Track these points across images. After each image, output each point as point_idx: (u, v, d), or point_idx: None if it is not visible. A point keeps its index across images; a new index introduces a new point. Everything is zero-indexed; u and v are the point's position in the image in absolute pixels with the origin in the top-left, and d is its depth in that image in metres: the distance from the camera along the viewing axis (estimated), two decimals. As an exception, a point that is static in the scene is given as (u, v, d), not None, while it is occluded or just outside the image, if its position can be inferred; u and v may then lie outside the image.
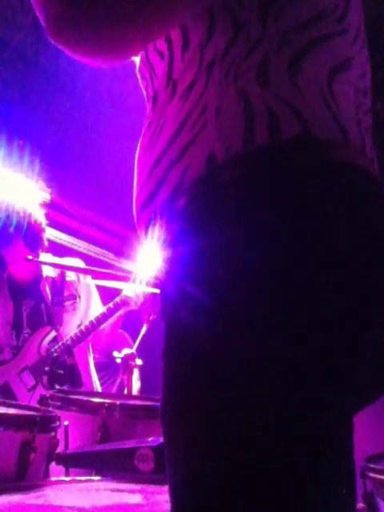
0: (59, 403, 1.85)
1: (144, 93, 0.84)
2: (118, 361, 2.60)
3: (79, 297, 2.63)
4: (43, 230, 2.56)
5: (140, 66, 0.81)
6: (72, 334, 2.49)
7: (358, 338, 0.59)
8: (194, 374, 0.57)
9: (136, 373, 2.74)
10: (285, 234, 0.58)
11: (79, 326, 2.55)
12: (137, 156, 0.78)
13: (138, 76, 0.85)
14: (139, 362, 2.66)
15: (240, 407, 0.54)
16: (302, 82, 0.64)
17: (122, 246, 4.29)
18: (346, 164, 0.64)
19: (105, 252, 4.32)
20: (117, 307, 2.54)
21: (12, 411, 1.60)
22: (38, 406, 1.83)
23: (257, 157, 0.62)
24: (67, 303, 2.58)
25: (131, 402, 2.09)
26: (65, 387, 2.37)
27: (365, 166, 0.65)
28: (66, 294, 2.59)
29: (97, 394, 2.25)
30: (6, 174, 3.31)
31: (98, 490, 1.32)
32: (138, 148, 0.78)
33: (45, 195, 2.87)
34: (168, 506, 0.59)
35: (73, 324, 2.57)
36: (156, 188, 0.70)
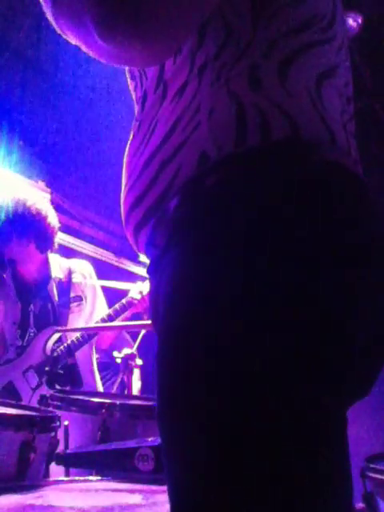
0: (59, 403, 1.85)
1: (132, 94, 0.85)
2: (118, 361, 2.60)
3: (85, 298, 2.63)
4: (56, 233, 2.57)
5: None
6: (77, 334, 2.50)
7: (355, 339, 0.59)
8: (190, 374, 0.57)
9: (136, 373, 2.74)
10: (279, 236, 0.58)
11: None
12: (126, 157, 0.78)
13: (127, 76, 0.85)
14: (139, 361, 2.66)
15: (238, 407, 0.54)
16: (291, 85, 0.66)
17: (122, 246, 4.30)
18: (334, 164, 0.65)
19: (105, 252, 4.33)
20: (123, 309, 2.54)
21: (12, 411, 1.60)
22: (38, 405, 1.83)
23: (248, 158, 0.63)
24: (73, 304, 2.59)
25: (131, 402, 2.09)
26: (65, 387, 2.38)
27: (350, 167, 0.67)
28: (72, 295, 2.60)
29: (97, 394, 2.25)
30: (8, 174, 3.32)
31: (98, 490, 1.33)
32: (128, 149, 0.78)
33: (45, 195, 2.88)
34: (168, 506, 0.59)
35: (78, 325, 2.58)
36: (146, 189, 0.70)
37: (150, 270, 0.75)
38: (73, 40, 0.69)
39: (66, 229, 2.81)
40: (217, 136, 0.64)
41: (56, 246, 2.61)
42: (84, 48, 0.68)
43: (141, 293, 2.54)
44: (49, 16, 0.69)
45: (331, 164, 0.64)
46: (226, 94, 0.66)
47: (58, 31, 0.70)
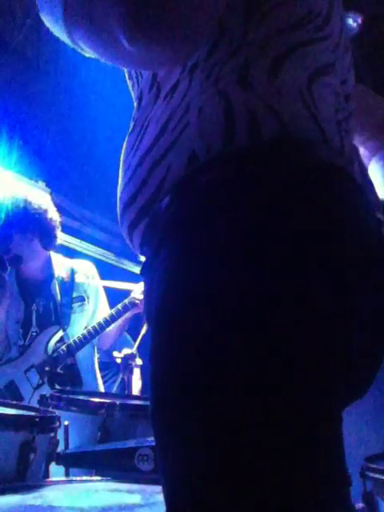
0: (59, 403, 1.85)
1: (131, 92, 0.85)
2: (118, 361, 2.60)
3: (88, 298, 2.64)
4: (57, 228, 2.59)
5: None
6: (79, 334, 2.51)
7: (352, 339, 0.59)
8: (185, 374, 0.57)
9: (136, 372, 2.74)
10: (266, 235, 0.58)
11: (86, 327, 2.57)
12: (122, 156, 0.78)
13: (126, 75, 0.86)
14: (139, 361, 2.66)
15: (234, 407, 0.54)
16: (282, 84, 0.65)
17: (122, 246, 4.30)
18: (325, 164, 0.64)
19: (105, 252, 4.33)
20: (125, 309, 2.55)
21: (12, 411, 1.60)
22: (38, 405, 1.83)
23: (236, 157, 0.63)
24: (75, 304, 2.60)
25: (131, 401, 2.09)
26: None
27: (343, 166, 0.66)
28: (75, 295, 2.61)
29: (97, 394, 2.26)
30: (8, 174, 3.32)
31: (98, 490, 1.32)
32: (124, 148, 0.79)
33: (45, 195, 2.89)
34: (167, 506, 0.59)
35: (80, 325, 2.59)
36: (139, 188, 0.70)
37: (144, 269, 0.75)
38: (90, 51, 0.67)
39: (66, 229, 2.81)
40: (205, 135, 0.64)
41: (58, 241, 2.62)
42: (105, 56, 0.67)
43: (142, 293, 2.54)
44: (60, 32, 0.67)
45: (321, 163, 0.64)
46: (215, 94, 0.66)
47: (72, 45, 0.68)
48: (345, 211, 0.62)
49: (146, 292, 0.74)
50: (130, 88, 0.85)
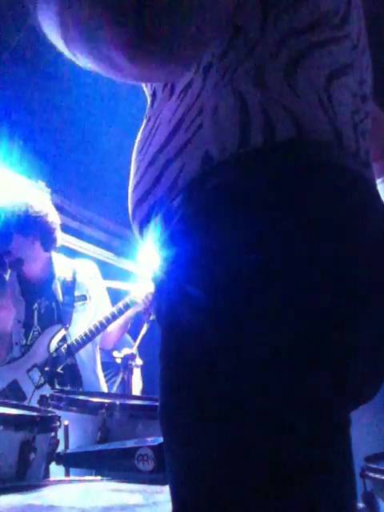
0: (59, 403, 1.85)
1: (144, 89, 0.85)
2: (118, 361, 2.60)
3: (90, 298, 2.65)
4: (57, 230, 2.60)
5: None
6: (80, 334, 2.52)
7: (357, 339, 0.59)
8: (195, 374, 0.57)
9: (137, 372, 2.74)
10: (277, 236, 0.58)
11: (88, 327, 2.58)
12: (134, 153, 0.78)
13: None
14: (139, 361, 2.66)
15: (242, 406, 0.54)
16: (298, 85, 0.65)
17: (122, 246, 4.29)
18: (338, 166, 0.64)
19: (105, 252, 4.33)
20: (126, 308, 2.56)
21: (12, 411, 1.60)
22: (38, 405, 1.83)
23: (251, 159, 0.63)
24: (77, 303, 2.61)
25: (131, 401, 2.09)
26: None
27: (357, 170, 0.66)
28: (76, 294, 2.62)
29: (97, 394, 2.26)
30: (8, 174, 3.33)
31: (98, 490, 1.32)
32: (136, 146, 0.79)
33: (45, 195, 2.89)
34: (168, 506, 0.59)
35: (82, 324, 2.60)
36: (151, 186, 0.70)
37: (155, 266, 0.75)
38: (84, 63, 0.65)
39: (66, 229, 2.81)
40: (220, 136, 0.64)
41: (58, 243, 2.64)
42: (103, 72, 0.64)
43: (143, 292, 2.56)
44: (58, 42, 0.66)
45: (334, 166, 0.64)
46: (230, 94, 0.65)
47: (68, 55, 0.66)
48: (357, 215, 0.62)
49: (156, 291, 0.74)
50: (144, 85, 0.85)
